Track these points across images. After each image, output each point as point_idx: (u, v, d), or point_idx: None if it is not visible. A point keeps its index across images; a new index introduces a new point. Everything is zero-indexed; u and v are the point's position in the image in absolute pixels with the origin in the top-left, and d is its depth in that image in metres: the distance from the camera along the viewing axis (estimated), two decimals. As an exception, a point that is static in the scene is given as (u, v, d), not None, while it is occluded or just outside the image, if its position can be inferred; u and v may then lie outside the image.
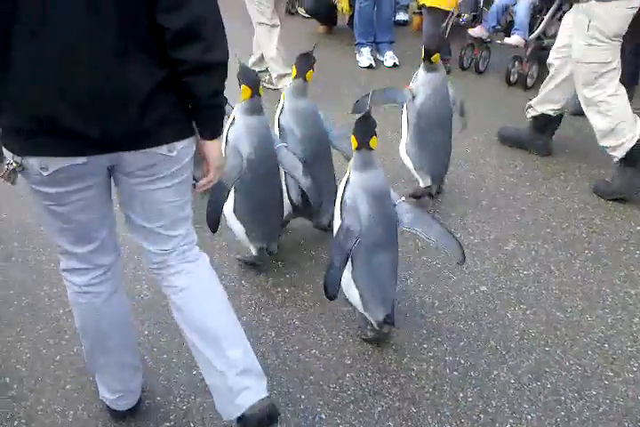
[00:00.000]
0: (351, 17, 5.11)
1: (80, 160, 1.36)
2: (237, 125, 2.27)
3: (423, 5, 4.62)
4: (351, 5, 5.02)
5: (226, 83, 1.44)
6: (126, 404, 1.79)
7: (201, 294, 1.65)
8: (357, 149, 1.98)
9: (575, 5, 2.86)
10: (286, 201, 2.54)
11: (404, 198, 2.05)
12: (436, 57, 2.70)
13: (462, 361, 2.02)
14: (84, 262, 1.56)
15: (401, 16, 5.73)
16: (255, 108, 2.27)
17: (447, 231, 2.01)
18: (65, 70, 1.27)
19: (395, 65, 4.73)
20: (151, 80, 1.34)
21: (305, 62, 2.47)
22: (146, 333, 2.12)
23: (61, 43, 1.25)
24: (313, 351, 2.07)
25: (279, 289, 2.36)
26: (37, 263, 2.44)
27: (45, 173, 1.36)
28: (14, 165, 1.36)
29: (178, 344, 2.05)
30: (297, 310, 2.25)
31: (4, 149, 1.39)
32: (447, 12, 4.38)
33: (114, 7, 1.25)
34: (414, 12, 5.67)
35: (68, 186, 1.40)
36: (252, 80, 2.25)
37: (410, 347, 2.08)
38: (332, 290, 1.97)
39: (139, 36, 1.31)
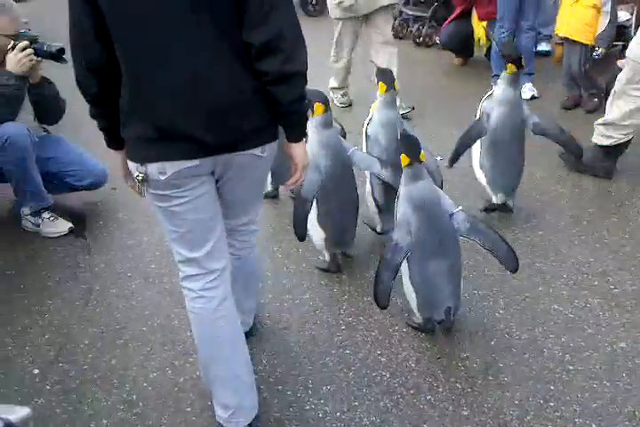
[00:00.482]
0: (488, 48, 5.01)
1: (193, 163, 1.58)
2: (312, 141, 2.43)
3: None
4: (488, 37, 4.92)
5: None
6: (239, 422, 1.82)
7: (246, 272, 2.00)
8: (409, 164, 2.11)
9: None
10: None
11: (460, 208, 2.14)
12: (522, 61, 2.78)
13: (594, 425, 1.84)
14: (199, 268, 1.74)
15: (543, 46, 5.51)
16: (328, 122, 2.47)
17: (502, 240, 2.12)
18: (180, 87, 1.51)
19: (533, 97, 4.54)
20: (247, 91, 1.56)
21: (388, 75, 2.70)
22: (264, 361, 2.16)
23: (165, 60, 1.50)
24: (428, 397, 1.99)
25: (397, 328, 2.31)
26: (172, 286, 2.58)
27: (163, 178, 1.58)
28: (140, 176, 1.59)
29: (293, 378, 2.08)
30: (414, 352, 2.19)
31: (130, 164, 1.63)
32: (585, 45, 4.11)
33: (224, 38, 1.49)
34: (557, 43, 5.43)
35: (183, 187, 1.62)
36: (323, 98, 2.49)
37: (534, 403, 1.94)
38: (382, 302, 2.17)
39: (241, 54, 1.52)
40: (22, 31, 2.81)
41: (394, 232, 2.13)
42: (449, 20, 5.34)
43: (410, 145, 2.15)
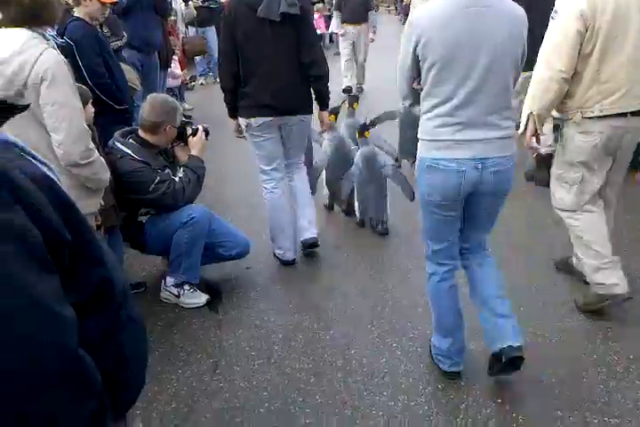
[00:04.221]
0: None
1: (270, 119, 3.34)
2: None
3: None
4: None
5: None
6: (289, 256, 3.63)
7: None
8: (362, 136, 4.07)
9: None
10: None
11: (390, 162, 4.19)
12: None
13: None
14: (269, 175, 3.54)
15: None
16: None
17: (406, 181, 4.01)
18: (265, 78, 3.25)
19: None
20: (301, 83, 3.34)
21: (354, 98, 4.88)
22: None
23: (265, 68, 3.23)
24: None
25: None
26: (292, 370, 2.67)
27: (256, 125, 3.36)
28: (246, 123, 3.38)
29: None
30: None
31: (241, 120, 3.45)
32: None
33: (287, 53, 3.23)
34: None
35: (264, 131, 3.39)
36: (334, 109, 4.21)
37: None
38: (342, 203, 4.38)
39: (297, 65, 3.28)
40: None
41: (352, 168, 4.05)
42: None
43: (362, 129, 4.08)
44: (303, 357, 2.76)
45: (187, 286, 3.18)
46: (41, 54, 2.20)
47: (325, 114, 3.59)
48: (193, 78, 9.28)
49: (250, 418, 2.38)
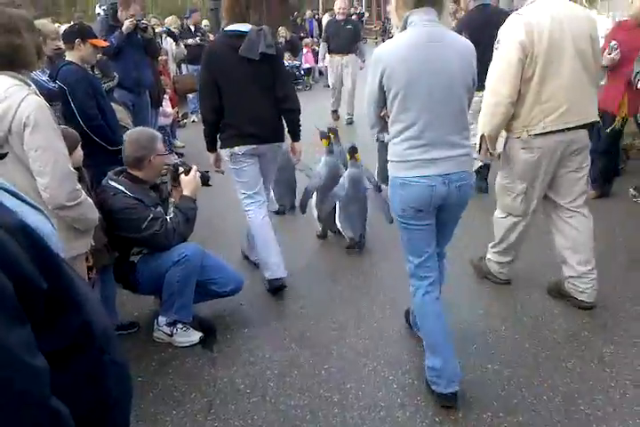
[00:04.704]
0: None
1: (253, 146, 3.57)
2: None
3: None
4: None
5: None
6: (279, 274, 3.67)
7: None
8: (351, 158, 4.32)
9: None
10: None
11: (371, 186, 4.30)
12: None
13: None
14: (252, 199, 3.70)
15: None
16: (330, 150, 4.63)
17: (386, 203, 3.75)
18: (247, 110, 3.50)
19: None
20: (276, 114, 3.61)
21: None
22: None
23: (246, 101, 3.50)
24: None
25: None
26: (286, 407, 2.65)
27: (240, 153, 3.56)
28: (229, 153, 3.56)
29: None
30: None
31: (222, 151, 3.66)
32: None
33: (263, 88, 3.51)
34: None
35: (246, 159, 3.60)
36: (325, 134, 4.60)
37: None
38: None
39: (273, 100, 3.55)
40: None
41: (336, 188, 4.23)
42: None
43: (352, 151, 4.31)
44: (299, 393, 2.73)
45: (179, 325, 3.15)
46: (22, 100, 2.23)
47: (297, 145, 3.82)
48: (185, 116, 9.40)
49: (245, 458, 2.34)
